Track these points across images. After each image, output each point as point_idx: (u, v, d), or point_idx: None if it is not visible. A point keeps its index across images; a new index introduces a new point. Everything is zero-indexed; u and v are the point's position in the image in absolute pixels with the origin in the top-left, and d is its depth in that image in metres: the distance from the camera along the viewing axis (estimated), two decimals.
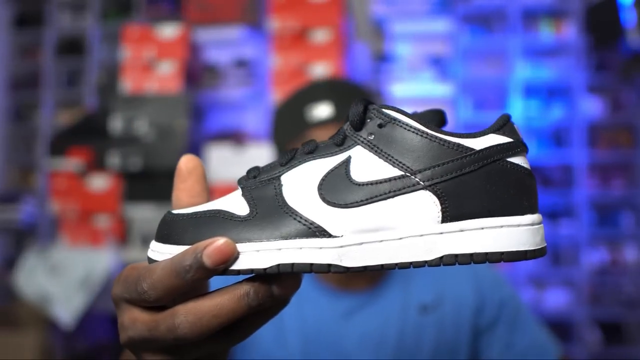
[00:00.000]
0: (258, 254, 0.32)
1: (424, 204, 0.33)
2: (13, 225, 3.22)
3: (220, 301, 0.32)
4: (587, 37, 2.69)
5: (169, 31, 2.01)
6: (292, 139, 0.78)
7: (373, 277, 0.77)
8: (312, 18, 1.95)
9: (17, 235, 3.35)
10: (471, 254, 0.32)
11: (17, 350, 2.18)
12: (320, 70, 1.95)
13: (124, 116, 1.97)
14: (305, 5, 1.95)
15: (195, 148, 2.09)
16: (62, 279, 1.92)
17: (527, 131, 2.86)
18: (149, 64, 2.01)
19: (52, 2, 3.28)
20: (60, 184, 2.02)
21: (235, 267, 0.32)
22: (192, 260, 0.31)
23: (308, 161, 0.36)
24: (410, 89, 2.80)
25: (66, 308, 1.91)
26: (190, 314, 0.32)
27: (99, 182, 2.02)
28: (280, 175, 0.36)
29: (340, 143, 0.36)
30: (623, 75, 2.02)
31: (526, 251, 0.33)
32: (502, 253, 0.32)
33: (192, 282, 0.32)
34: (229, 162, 1.99)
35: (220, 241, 0.32)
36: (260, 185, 0.36)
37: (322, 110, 0.75)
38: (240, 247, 0.33)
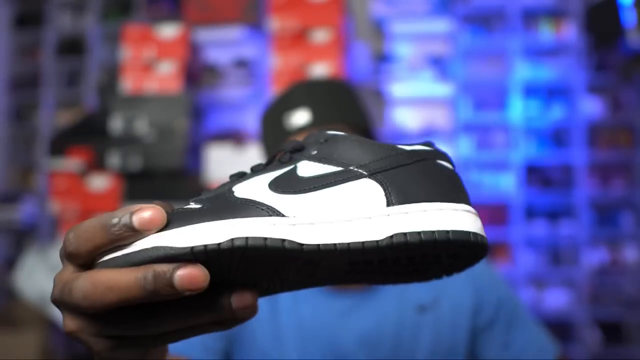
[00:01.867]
0: (212, 228, 0.32)
1: (368, 190, 0.35)
2: (13, 225, 3.23)
3: (118, 275, 0.31)
4: (587, 37, 2.69)
5: (169, 31, 2.01)
6: (274, 145, 0.79)
7: None
8: (312, 18, 1.95)
9: (17, 235, 3.35)
10: (419, 232, 0.34)
11: (17, 350, 2.18)
12: (320, 70, 1.95)
13: (124, 116, 1.97)
14: (305, 5, 1.95)
15: (195, 148, 2.09)
16: None
17: (527, 131, 2.86)
18: (149, 64, 2.01)
19: (52, 2, 3.28)
20: (60, 184, 2.03)
21: (187, 243, 0.31)
22: (121, 216, 0.31)
23: (257, 175, 0.38)
24: (410, 89, 2.80)
25: None
26: (87, 280, 0.31)
27: (99, 182, 2.02)
28: (231, 187, 0.37)
29: (286, 161, 0.38)
30: (623, 75, 2.02)
31: (470, 232, 0.34)
32: (448, 232, 0.34)
33: (115, 238, 0.31)
34: (229, 162, 2.00)
35: (153, 208, 0.31)
36: (211, 195, 0.37)
37: (300, 117, 0.75)
38: (193, 226, 0.32)
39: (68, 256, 0.33)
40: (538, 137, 2.86)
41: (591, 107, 2.79)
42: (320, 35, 1.96)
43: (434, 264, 0.38)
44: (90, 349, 0.34)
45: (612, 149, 2.80)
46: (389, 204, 0.35)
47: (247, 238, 0.32)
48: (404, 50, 2.93)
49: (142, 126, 1.96)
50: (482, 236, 0.35)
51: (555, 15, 2.87)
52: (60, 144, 2.03)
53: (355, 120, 0.80)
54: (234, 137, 2.80)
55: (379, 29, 2.95)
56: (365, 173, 0.36)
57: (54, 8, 3.29)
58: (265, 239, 0.32)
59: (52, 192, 2.03)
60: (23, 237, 3.33)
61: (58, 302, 0.33)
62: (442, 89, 2.80)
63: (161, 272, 0.30)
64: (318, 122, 0.75)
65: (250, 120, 2.98)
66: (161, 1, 2.97)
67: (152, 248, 0.31)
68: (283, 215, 0.34)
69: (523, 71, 2.85)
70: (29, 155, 3.37)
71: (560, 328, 2.77)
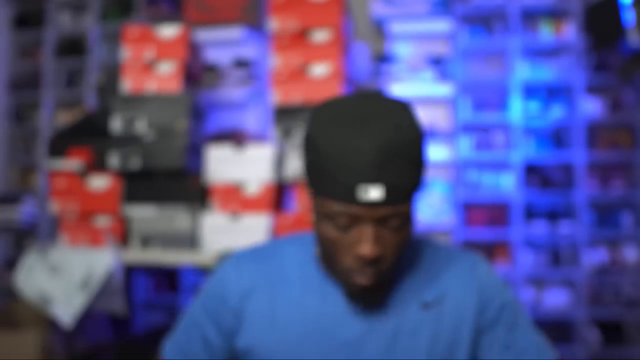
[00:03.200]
0: None
1: None
2: (13, 225, 3.23)
3: None
4: (587, 37, 2.69)
5: (169, 31, 2.01)
6: (335, 202, 0.69)
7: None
8: (312, 18, 1.95)
9: (17, 235, 3.35)
10: None
11: (17, 350, 2.18)
12: (321, 70, 1.95)
13: (124, 116, 1.97)
14: (305, 5, 1.95)
15: (195, 148, 2.09)
16: (62, 279, 1.93)
17: (527, 131, 2.86)
18: (149, 64, 2.01)
19: (52, 2, 3.28)
20: (60, 184, 2.03)
21: None
22: None
23: None
24: (410, 89, 2.80)
25: (66, 308, 1.91)
26: None
27: (99, 182, 2.02)
28: None
29: None
30: (622, 76, 2.02)
31: None
32: None
33: None
34: (229, 162, 2.00)
35: None
36: None
37: (374, 194, 0.68)
38: None
39: None
40: (538, 137, 2.86)
41: (591, 107, 2.79)
42: (320, 35, 1.96)
43: None
44: None
45: (612, 149, 2.80)
46: None
47: None
48: (404, 51, 2.94)
49: (142, 126, 1.96)
50: None
51: (555, 15, 2.87)
52: (60, 144, 2.03)
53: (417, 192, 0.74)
54: (234, 137, 2.81)
55: (379, 29, 2.95)
56: None
57: (54, 8, 3.29)
58: None
59: (52, 192, 2.03)
60: (23, 237, 3.33)
61: None
62: (442, 89, 2.80)
63: None
64: (390, 202, 0.68)
65: (251, 120, 2.99)
66: (161, 1, 2.97)
67: None
68: None
69: (523, 71, 2.85)
70: (29, 155, 3.37)
71: (560, 328, 2.77)
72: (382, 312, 0.78)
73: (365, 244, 0.69)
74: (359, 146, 0.67)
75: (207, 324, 0.81)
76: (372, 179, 0.67)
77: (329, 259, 0.74)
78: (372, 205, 0.68)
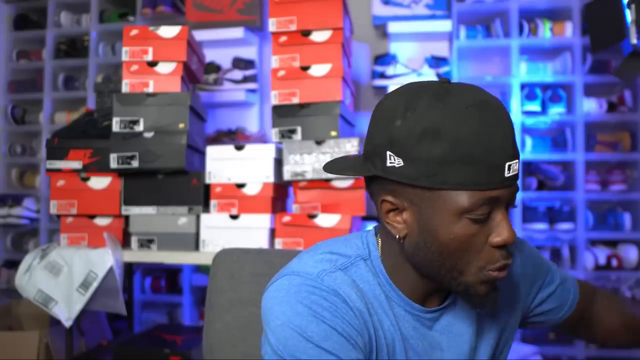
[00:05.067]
0: None
1: None
2: (13, 225, 3.23)
3: None
4: (586, 37, 2.69)
5: (169, 31, 2.01)
6: (473, 191, 0.65)
7: (443, 297, 0.80)
8: (312, 18, 1.95)
9: (17, 235, 3.35)
10: None
11: (17, 350, 2.18)
12: (321, 70, 1.95)
13: (123, 116, 1.97)
14: (305, 5, 1.95)
15: (195, 148, 2.09)
16: (62, 279, 1.93)
17: (527, 131, 2.86)
18: (149, 64, 2.01)
19: (52, 2, 3.28)
20: (60, 184, 2.03)
21: None
22: None
23: None
24: None
25: (66, 308, 1.91)
26: None
27: (99, 182, 2.02)
28: None
29: None
30: (619, 75, 2.02)
31: None
32: None
33: None
34: (228, 162, 2.00)
35: None
36: None
37: (514, 169, 0.67)
38: None
39: None
40: (538, 137, 2.86)
41: (590, 107, 2.79)
42: (320, 35, 1.96)
43: None
44: None
45: (611, 149, 2.81)
46: None
47: None
48: (404, 50, 2.94)
49: (142, 126, 1.96)
50: None
51: (555, 15, 2.87)
52: (60, 144, 2.03)
53: None
54: (234, 137, 2.81)
55: (379, 29, 2.95)
56: None
57: (54, 8, 3.29)
58: None
59: (52, 192, 2.03)
60: (23, 237, 3.33)
61: None
62: None
63: None
64: (517, 178, 0.68)
65: (251, 120, 2.99)
66: (161, 1, 2.97)
67: None
68: None
69: (523, 71, 2.85)
70: (29, 155, 3.37)
71: None
72: (456, 322, 0.80)
73: (506, 231, 0.66)
74: (497, 119, 0.65)
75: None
76: (514, 154, 0.66)
77: (452, 268, 0.68)
78: (511, 184, 0.67)
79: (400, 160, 0.67)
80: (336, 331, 0.66)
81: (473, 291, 0.69)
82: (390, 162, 0.68)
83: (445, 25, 2.77)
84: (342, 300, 0.69)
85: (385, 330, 0.73)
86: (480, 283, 0.69)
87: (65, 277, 1.92)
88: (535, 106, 2.77)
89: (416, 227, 0.69)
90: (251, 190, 1.96)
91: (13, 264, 3.20)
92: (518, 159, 0.67)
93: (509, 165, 0.65)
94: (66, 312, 1.92)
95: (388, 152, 0.68)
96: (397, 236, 0.71)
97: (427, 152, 0.65)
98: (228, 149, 1.99)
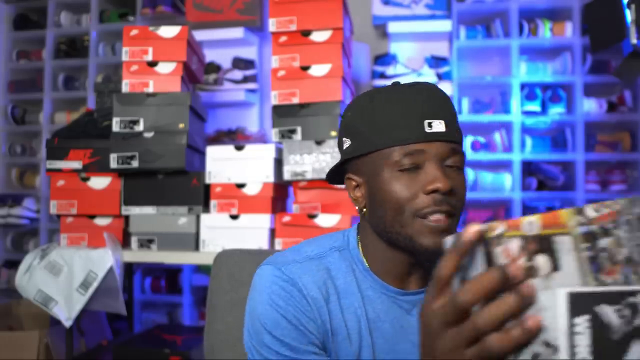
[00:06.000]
0: None
1: None
2: (13, 225, 3.22)
3: None
4: (586, 37, 2.69)
5: (169, 31, 2.01)
6: (399, 146, 0.77)
7: (423, 278, 0.83)
8: (312, 18, 1.95)
9: (17, 235, 3.35)
10: None
11: (17, 350, 2.18)
12: (320, 70, 1.95)
13: (123, 116, 1.97)
14: (305, 5, 1.95)
15: (195, 148, 2.09)
16: (62, 279, 1.93)
17: (527, 131, 2.86)
18: (149, 64, 2.01)
19: (52, 2, 3.28)
20: (60, 184, 2.03)
21: None
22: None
23: None
24: None
25: (66, 308, 1.91)
26: None
27: (99, 182, 2.02)
28: None
29: None
30: (621, 75, 2.02)
31: None
32: None
33: None
34: (228, 162, 1.99)
35: None
36: None
37: (438, 127, 0.77)
38: None
39: None
40: (538, 137, 2.86)
41: (590, 107, 2.79)
42: (320, 35, 1.96)
43: None
44: None
45: (611, 149, 2.81)
46: None
47: None
48: (404, 50, 2.94)
49: (142, 126, 1.96)
50: None
51: (555, 15, 2.87)
52: (60, 144, 2.03)
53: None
54: (234, 137, 2.81)
55: (379, 29, 2.95)
56: None
57: (54, 8, 3.29)
58: None
59: (52, 192, 2.03)
60: (23, 237, 3.33)
61: None
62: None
63: None
64: (450, 137, 0.78)
65: (251, 120, 2.99)
66: (161, 1, 2.97)
67: None
68: None
69: (523, 71, 2.85)
70: (29, 155, 3.37)
71: None
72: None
73: (437, 178, 0.74)
74: (416, 93, 0.79)
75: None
76: (435, 115, 0.77)
77: (394, 220, 0.76)
78: (437, 140, 0.76)
79: (348, 140, 0.82)
80: (286, 319, 0.76)
81: (419, 245, 0.75)
82: (346, 146, 0.83)
83: (445, 25, 2.77)
84: (298, 289, 0.78)
85: (351, 313, 0.80)
86: (420, 233, 0.74)
87: (65, 277, 1.92)
88: (535, 106, 2.77)
89: (369, 194, 0.80)
90: (251, 190, 1.96)
91: (13, 264, 3.20)
92: (444, 120, 0.77)
93: (429, 123, 0.76)
94: (66, 312, 1.91)
95: (343, 138, 0.83)
96: (361, 209, 0.82)
97: (359, 125, 0.80)
98: (228, 149, 1.99)
